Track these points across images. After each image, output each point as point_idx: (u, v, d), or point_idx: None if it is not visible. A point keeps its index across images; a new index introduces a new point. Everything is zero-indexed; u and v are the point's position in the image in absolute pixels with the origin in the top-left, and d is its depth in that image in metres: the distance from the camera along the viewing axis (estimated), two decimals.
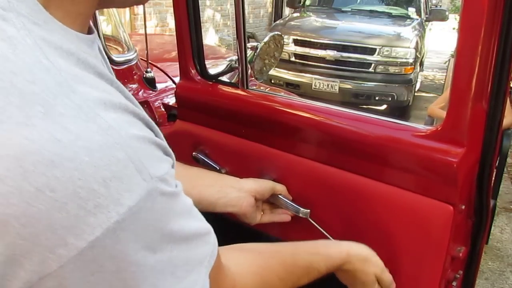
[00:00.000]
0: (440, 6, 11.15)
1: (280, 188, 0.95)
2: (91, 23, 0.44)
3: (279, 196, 0.96)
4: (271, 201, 0.97)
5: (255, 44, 1.24)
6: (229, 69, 1.20)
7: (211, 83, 1.14)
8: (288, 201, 0.96)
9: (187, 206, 0.43)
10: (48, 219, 0.31)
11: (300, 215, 0.93)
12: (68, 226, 0.31)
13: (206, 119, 1.12)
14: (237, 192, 0.88)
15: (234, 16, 1.04)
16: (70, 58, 0.35)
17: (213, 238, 0.46)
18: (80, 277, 0.33)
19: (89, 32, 0.43)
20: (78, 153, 0.31)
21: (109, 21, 2.05)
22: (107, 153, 0.33)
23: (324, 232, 0.91)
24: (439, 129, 0.77)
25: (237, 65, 1.11)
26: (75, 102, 0.33)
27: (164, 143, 0.40)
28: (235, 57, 1.12)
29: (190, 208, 0.43)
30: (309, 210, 0.93)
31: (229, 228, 1.00)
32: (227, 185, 0.89)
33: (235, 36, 1.06)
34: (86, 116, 0.33)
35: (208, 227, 0.45)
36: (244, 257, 0.62)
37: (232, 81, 1.21)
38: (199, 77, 1.15)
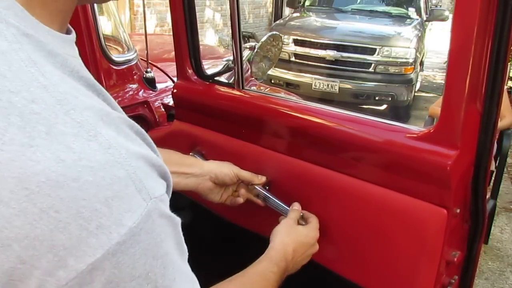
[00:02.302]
0: (440, 6, 11.11)
1: (247, 176, 0.98)
2: (69, 25, 0.44)
3: (269, 195, 0.96)
4: (260, 198, 0.98)
5: (253, 44, 1.24)
6: (226, 69, 1.20)
7: (207, 83, 1.14)
8: (279, 202, 0.95)
9: (183, 244, 0.41)
10: (51, 240, 0.30)
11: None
12: (69, 247, 0.31)
13: (202, 119, 1.12)
14: (195, 178, 0.95)
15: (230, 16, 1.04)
16: (60, 68, 0.35)
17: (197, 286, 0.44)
18: None
19: (69, 32, 0.42)
20: (82, 173, 0.31)
21: (109, 20, 2.05)
22: (109, 172, 0.32)
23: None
24: (432, 131, 0.76)
25: (233, 65, 1.11)
26: (75, 120, 0.32)
27: (160, 161, 0.39)
28: (232, 57, 1.12)
29: (184, 248, 0.42)
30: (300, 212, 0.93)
31: (226, 230, 1.00)
32: (188, 170, 0.95)
33: (231, 36, 1.06)
34: (88, 134, 0.33)
35: (192, 275, 0.43)
36: None
37: (229, 82, 1.21)
38: (195, 77, 1.15)
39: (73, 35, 0.42)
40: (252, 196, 1.01)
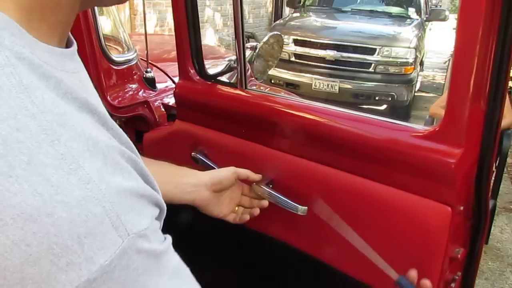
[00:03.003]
0: (440, 6, 11.14)
1: (244, 172, 0.96)
2: (71, 35, 0.43)
3: (274, 193, 0.96)
4: (264, 197, 0.97)
5: (254, 44, 1.24)
6: (228, 69, 1.20)
7: (209, 83, 1.14)
8: (285, 199, 0.95)
9: (172, 266, 0.41)
10: (20, 273, 0.30)
11: (299, 212, 0.93)
12: (38, 282, 0.31)
13: (205, 119, 1.12)
14: (192, 187, 0.92)
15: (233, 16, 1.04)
16: (54, 90, 0.35)
17: None
18: None
19: (70, 44, 0.42)
20: (56, 208, 0.31)
21: (109, 20, 2.05)
22: (85, 209, 0.32)
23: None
24: (437, 129, 0.77)
25: (236, 65, 1.11)
26: (58, 151, 0.32)
27: (150, 191, 0.38)
28: (234, 57, 1.12)
29: (176, 268, 0.41)
30: (306, 207, 0.93)
31: (227, 229, 1.00)
32: (184, 181, 0.93)
33: (234, 36, 1.06)
34: (68, 167, 0.32)
35: None
36: None
37: (231, 81, 1.21)
38: (198, 77, 1.15)
39: (73, 48, 0.41)
40: (255, 201, 0.99)
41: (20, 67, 0.33)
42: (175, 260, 0.42)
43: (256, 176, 0.97)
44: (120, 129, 0.41)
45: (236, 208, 0.99)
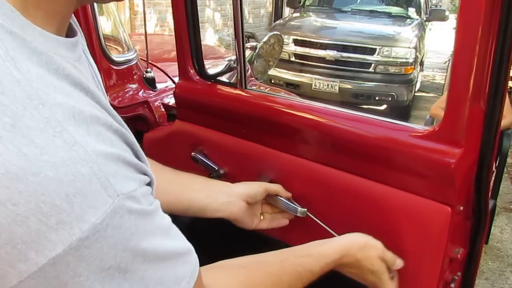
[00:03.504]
0: (440, 6, 11.14)
1: (275, 188, 0.94)
2: (75, 26, 0.43)
3: (277, 196, 0.96)
4: (270, 202, 0.97)
5: (254, 44, 1.24)
6: (228, 69, 1.20)
7: (209, 83, 1.14)
8: (286, 201, 0.95)
9: (163, 225, 0.42)
10: (9, 233, 0.31)
11: (298, 214, 0.93)
12: (28, 241, 0.31)
13: (205, 119, 1.12)
14: (227, 197, 0.88)
15: (233, 16, 1.04)
16: (45, 66, 0.35)
17: (194, 258, 0.45)
18: None
19: (72, 35, 0.42)
20: (42, 168, 0.31)
21: (109, 20, 2.05)
22: (72, 169, 0.32)
23: (324, 226, 0.89)
24: (436, 129, 0.77)
25: (236, 65, 1.11)
26: (43, 115, 0.32)
27: (137, 161, 0.39)
28: (234, 57, 1.12)
29: (167, 227, 0.42)
30: (305, 209, 0.93)
31: (227, 229, 1.00)
32: (217, 190, 0.89)
33: (234, 36, 1.06)
34: (53, 130, 0.32)
35: (188, 246, 0.44)
36: (227, 274, 0.61)
37: (231, 81, 1.21)
38: (197, 77, 1.15)
39: (75, 39, 0.42)
40: (277, 215, 0.97)
41: (9, 41, 0.33)
42: (166, 220, 0.42)
43: (287, 194, 0.94)
44: (115, 113, 0.41)
45: (261, 216, 0.96)
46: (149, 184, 0.40)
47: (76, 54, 0.42)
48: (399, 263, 0.79)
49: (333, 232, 0.88)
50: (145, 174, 0.40)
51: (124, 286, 0.36)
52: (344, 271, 0.77)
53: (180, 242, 0.43)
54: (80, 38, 0.43)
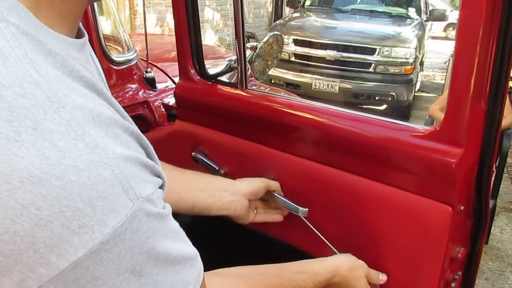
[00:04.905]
0: None
1: (274, 184, 0.96)
2: (82, 27, 0.43)
3: (276, 195, 0.96)
4: (268, 199, 0.97)
5: (254, 44, 1.24)
6: (228, 69, 1.20)
7: (210, 83, 1.14)
8: (287, 200, 0.95)
9: (174, 229, 0.42)
10: (31, 237, 0.30)
11: (299, 214, 0.93)
12: (51, 245, 0.31)
13: (205, 119, 1.12)
14: (231, 196, 0.90)
15: (233, 16, 1.04)
16: (60, 67, 0.35)
17: (199, 263, 0.45)
18: None
19: (80, 36, 0.42)
20: (65, 172, 0.31)
21: (109, 20, 2.05)
22: (94, 173, 0.32)
23: (317, 232, 0.91)
24: (437, 129, 0.77)
25: (236, 65, 1.11)
26: (64, 118, 0.32)
27: (153, 163, 0.39)
28: (234, 57, 1.12)
29: (177, 231, 0.42)
30: (307, 209, 0.93)
31: (227, 229, 1.00)
32: (221, 188, 0.90)
33: (235, 36, 1.06)
34: (75, 133, 0.32)
35: (194, 251, 0.44)
36: (229, 282, 0.62)
37: (232, 81, 1.21)
38: (198, 77, 1.15)
39: (83, 40, 0.42)
40: (269, 214, 0.99)
41: (26, 43, 0.33)
42: (176, 224, 0.43)
43: (279, 189, 0.97)
44: (126, 114, 0.41)
45: (255, 209, 0.98)
46: (161, 186, 0.41)
47: (84, 55, 0.42)
48: (382, 277, 0.85)
49: (323, 238, 0.90)
50: (158, 176, 0.40)
51: None
52: None
53: (188, 246, 0.44)
54: (87, 40, 0.43)
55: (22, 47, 0.33)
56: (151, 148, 0.41)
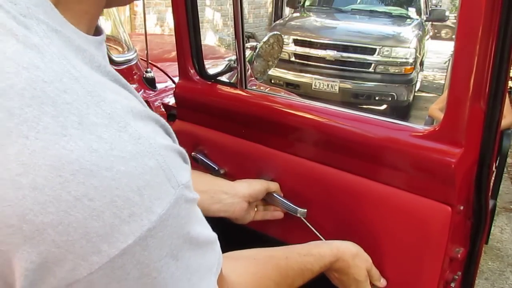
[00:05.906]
0: (440, 6, 11.14)
1: (274, 186, 0.96)
2: (100, 24, 0.44)
3: (275, 195, 0.96)
4: (267, 200, 0.98)
5: (254, 44, 1.24)
6: (228, 69, 1.20)
7: (210, 83, 1.14)
8: (285, 201, 0.96)
9: (200, 214, 0.43)
10: (84, 228, 0.31)
11: (298, 215, 0.93)
12: (103, 234, 0.32)
13: (205, 119, 1.12)
14: (231, 198, 0.91)
15: (233, 16, 1.04)
16: (89, 63, 0.36)
17: (218, 246, 0.46)
18: (106, 283, 0.33)
19: (98, 33, 0.43)
20: (114, 163, 0.32)
21: (108, 20, 2.05)
22: (140, 162, 0.33)
23: (317, 233, 0.91)
24: (437, 129, 0.77)
25: (236, 65, 1.11)
26: (106, 111, 0.33)
27: (184, 150, 0.41)
28: (234, 57, 1.12)
29: (201, 216, 0.44)
30: (306, 210, 0.93)
31: (228, 228, 1.00)
32: (221, 191, 0.91)
33: (234, 36, 1.07)
34: (118, 125, 0.33)
35: (214, 235, 0.45)
36: (240, 265, 0.63)
37: (231, 81, 1.21)
38: (198, 77, 1.15)
39: (101, 37, 0.42)
40: (269, 211, 0.99)
41: (56, 39, 0.34)
42: (199, 209, 0.44)
43: (279, 190, 0.98)
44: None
45: (255, 208, 0.99)
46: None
47: (102, 52, 0.42)
48: (383, 281, 0.85)
49: (323, 238, 0.90)
50: (186, 162, 0.42)
51: (176, 274, 0.37)
52: (331, 275, 0.82)
53: (209, 230, 0.45)
54: (104, 38, 0.44)
55: (55, 44, 0.34)
56: (174, 136, 0.42)
